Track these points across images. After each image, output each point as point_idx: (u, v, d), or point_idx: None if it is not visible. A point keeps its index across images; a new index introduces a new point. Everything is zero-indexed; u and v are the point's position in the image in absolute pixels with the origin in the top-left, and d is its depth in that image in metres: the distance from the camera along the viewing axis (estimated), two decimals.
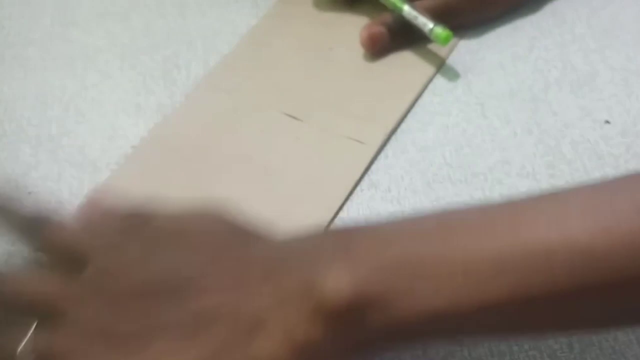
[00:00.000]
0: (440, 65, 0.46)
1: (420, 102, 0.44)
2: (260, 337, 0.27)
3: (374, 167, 0.40)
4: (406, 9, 0.45)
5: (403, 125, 0.43)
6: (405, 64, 0.46)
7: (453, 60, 0.46)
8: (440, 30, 0.44)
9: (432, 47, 0.46)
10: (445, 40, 0.44)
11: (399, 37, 0.46)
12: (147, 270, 0.30)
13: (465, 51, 0.47)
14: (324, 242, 0.29)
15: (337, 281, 0.27)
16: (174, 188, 0.40)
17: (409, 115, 0.43)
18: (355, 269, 0.27)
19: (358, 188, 0.40)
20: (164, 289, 0.29)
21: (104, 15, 0.51)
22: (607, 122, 0.42)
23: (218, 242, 0.31)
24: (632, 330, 0.34)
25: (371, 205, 0.39)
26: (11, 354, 0.30)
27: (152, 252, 0.31)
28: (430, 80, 0.45)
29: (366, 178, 0.40)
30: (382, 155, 0.41)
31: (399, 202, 0.39)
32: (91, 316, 0.30)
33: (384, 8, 0.46)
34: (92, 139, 0.44)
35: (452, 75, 0.46)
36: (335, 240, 0.29)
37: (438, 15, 0.45)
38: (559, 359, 0.33)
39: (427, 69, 0.46)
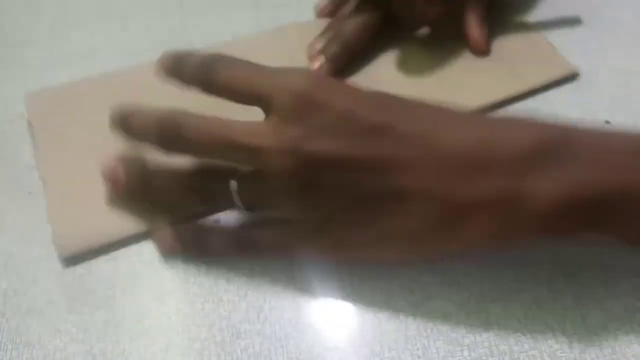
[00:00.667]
0: None
1: None
2: (469, 222, 0.31)
3: None
4: None
5: None
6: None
7: None
8: None
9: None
10: None
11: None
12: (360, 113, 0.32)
13: None
14: (541, 136, 0.31)
15: (552, 183, 0.30)
16: None
17: None
18: (573, 172, 0.30)
19: None
20: (370, 159, 0.31)
21: (105, 16, 0.51)
22: (607, 122, 0.42)
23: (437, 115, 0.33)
24: (633, 330, 0.34)
25: None
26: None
27: (361, 101, 0.33)
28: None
29: None
30: None
31: None
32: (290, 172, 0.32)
33: None
34: None
35: None
36: (552, 137, 0.31)
37: None
38: (559, 359, 0.33)
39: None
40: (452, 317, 0.34)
